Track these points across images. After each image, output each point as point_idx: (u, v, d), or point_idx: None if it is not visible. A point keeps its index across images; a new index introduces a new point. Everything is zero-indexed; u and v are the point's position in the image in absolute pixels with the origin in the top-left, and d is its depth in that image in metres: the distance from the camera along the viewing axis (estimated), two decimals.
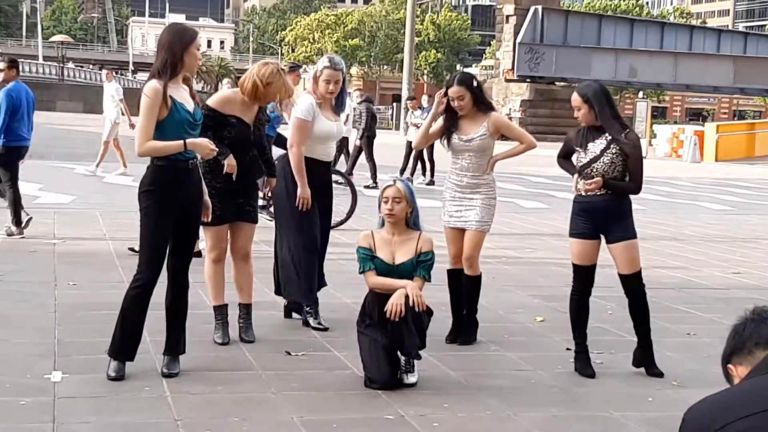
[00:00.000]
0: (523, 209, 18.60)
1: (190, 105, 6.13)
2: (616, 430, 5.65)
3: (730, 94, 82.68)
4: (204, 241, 7.36)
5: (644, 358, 6.92)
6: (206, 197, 6.43)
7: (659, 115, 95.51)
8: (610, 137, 6.67)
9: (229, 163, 7.05)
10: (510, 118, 53.13)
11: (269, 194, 7.66)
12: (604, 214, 6.75)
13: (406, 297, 6.16)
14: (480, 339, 7.60)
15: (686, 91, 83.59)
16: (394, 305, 6.14)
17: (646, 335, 6.92)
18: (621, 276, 6.86)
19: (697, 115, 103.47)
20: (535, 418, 5.75)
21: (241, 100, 7.05)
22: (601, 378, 6.75)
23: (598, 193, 6.71)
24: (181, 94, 6.12)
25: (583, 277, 6.85)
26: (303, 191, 7.59)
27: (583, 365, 6.84)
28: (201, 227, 6.92)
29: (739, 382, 2.90)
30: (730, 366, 2.97)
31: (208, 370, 6.44)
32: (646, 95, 67.40)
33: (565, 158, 7.06)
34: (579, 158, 6.78)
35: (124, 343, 6.20)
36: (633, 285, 6.85)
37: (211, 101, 7.17)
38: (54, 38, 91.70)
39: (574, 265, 6.88)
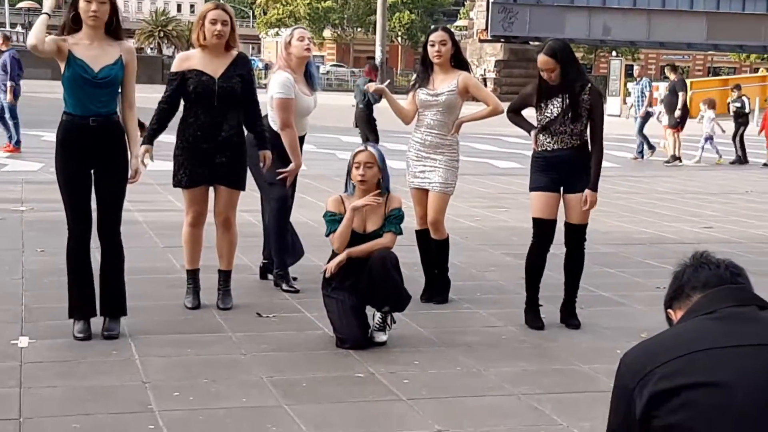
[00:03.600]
0: (498, 169, 18.60)
1: (98, 63, 6.06)
2: (584, 382, 5.68)
3: (704, 50, 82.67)
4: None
5: (564, 308, 7.00)
6: (135, 159, 6.32)
7: (633, 73, 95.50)
8: (572, 94, 6.67)
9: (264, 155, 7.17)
10: (484, 80, 53.13)
11: (264, 168, 7.41)
12: (567, 167, 6.78)
13: (376, 254, 6.17)
14: (452, 297, 7.61)
15: (660, 49, 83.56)
16: (370, 200, 6.24)
17: (575, 290, 6.99)
18: (569, 226, 6.91)
19: (671, 72, 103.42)
20: (505, 373, 5.76)
21: (199, 54, 6.93)
22: (570, 333, 6.78)
23: (562, 147, 6.72)
24: (92, 51, 6.07)
25: (544, 231, 6.87)
26: (297, 167, 7.60)
27: (533, 318, 6.90)
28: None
29: (671, 327, 2.93)
30: (669, 311, 2.99)
31: (176, 333, 6.41)
32: (620, 53, 67.30)
33: (515, 113, 7.07)
34: (542, 115, 6.76)
35: (78, 300, 6.22)
36: (579, 236, 6.91)
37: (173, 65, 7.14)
38: (20, 4, 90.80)
39: (535, 220, 6.90)
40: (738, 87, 23.58)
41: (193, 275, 7.18)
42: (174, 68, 7.01)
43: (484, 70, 58.34)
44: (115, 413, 4.91)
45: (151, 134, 6.95)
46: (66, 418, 4.81)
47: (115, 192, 6.27)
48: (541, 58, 6.67)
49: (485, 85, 49.40)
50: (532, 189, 6.90)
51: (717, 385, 2.60)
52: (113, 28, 6.17)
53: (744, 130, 22.07)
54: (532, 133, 6.84)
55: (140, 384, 5.37)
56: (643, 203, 14.19)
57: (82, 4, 6.02)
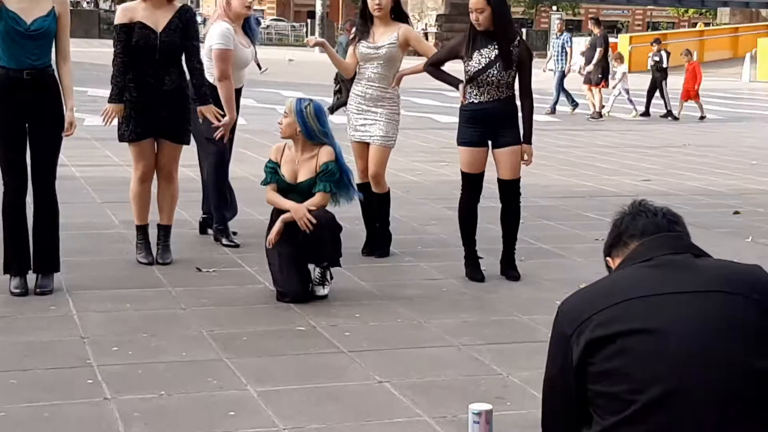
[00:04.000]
0: (439, 124, 18.60)
1: (30, 15, 5.96)
2: (524, 332, 5.73)
3: (642, 5, 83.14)
4: None
5: (503, 261, 7.04)
6: (70, 112, 6.22)
7: (574, 28, 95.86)
8: (502, 44, 6.68)
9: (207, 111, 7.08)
10: (426, 34, 53.01)
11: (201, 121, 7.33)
12: (495, 120, 6.80)
13: (312, 214, 6.16)
14: (393, 251, 7.61)
15: (600, 4, 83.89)
16: (301, 221, 6.13)
17: (513, 242, 7.03)
18: (502, 182, 6.92)
19: (611, 28, 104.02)
20: (446, 324, 5.79)
21: (141, 6, 6.82)
22: (510, 284, 6.83)
23: (489, 99, 6.73)
24: (24, 3, 5.96)
25: (473, 185, 6.90)
26: (231, 120, 7.49)
27: (473, 270, 6.93)
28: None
29: (609, 275, 2.96)
30: (608, 258, 3.02)
31: (115, 288, 6.36)
32: (560, 8, 67.49)
33: (436, 66, 7.01)
34: (470, 65, 6.74)
35: (13, 255, 6.15)
36: (513, 191, 6.93)
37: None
38: None
39: (464, 174, 6.92)
40: (658, 41, 23.59)
41: (143, 231, 7.12)
42: (118, 20, 6.86)
43: (426, 24, 58.14)
44: (53, 368, 4.87)
45: (119, 91, 6.81)
46: (3, 374, 4.76)
47: (50, 146, 6.17)
48: None
49: (426, 38, 49.34)
50: (459, 143, 6.91)
51: (652, 331, 2.63)
52: None
53: (665, 84, 22.10)
54: (460, 86, 6.80)
55: (78, 339, 5.33)
56: (582, 157, 14.30)
57: None
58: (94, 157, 12.02)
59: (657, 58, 22.55)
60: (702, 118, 21.42)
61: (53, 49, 6.19)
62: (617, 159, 14.15)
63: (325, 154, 6.32)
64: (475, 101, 6.78)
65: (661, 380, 2.59)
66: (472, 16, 6.67)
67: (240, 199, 8.50)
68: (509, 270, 6.99)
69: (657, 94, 22.14)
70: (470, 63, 6.74)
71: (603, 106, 21.23)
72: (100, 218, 8.51)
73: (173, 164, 7.10)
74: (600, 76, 21.06)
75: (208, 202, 7.92)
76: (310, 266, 6.34)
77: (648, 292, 2.71)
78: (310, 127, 6.30)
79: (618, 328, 2.66)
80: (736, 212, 9.85)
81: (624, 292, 2.74)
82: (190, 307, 6.00)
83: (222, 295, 6.28)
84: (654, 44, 23.34)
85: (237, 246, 7.59)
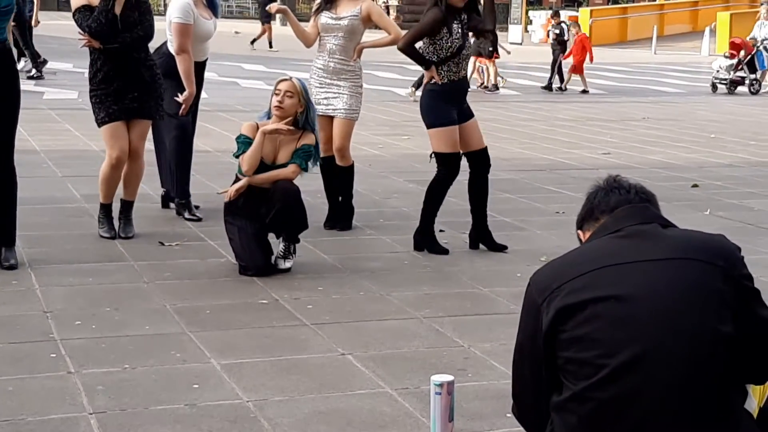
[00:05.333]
0: (400, 97, 18.61)
1: None
2: (485, 304, 5.79)
3: None
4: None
5: (485, 235, 7.07)
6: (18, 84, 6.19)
7: (535, 1, 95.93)
8: (472, 15, 6.77)
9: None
10: (387, 7, 52.86)
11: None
12: (465, 95, 6.87)
13: (277, 184, 6.18)
14: (356, 224, 7.65)
15: None
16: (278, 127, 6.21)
17: (485, 213, 7.07)
18: (476, 153, 6.95)
19: (572, 1, 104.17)
20: (407, 297, 5.84)
21: None
22: (471, 257, 6.88)
23: (465, 74, 6.79)
24: None
25: (456, 165, 6.88)
26: (190, 94, 7.48)
27: (434, 243, 6.95)
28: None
29: (579, 246, 3.04)
30: (579, 231, 3.09)
31: (77, 262, 6.35)
32: None
33: (412, 45, 6.90)
34: (451, 42, 6.74)
35: None
36: (486, 159, 6.98)
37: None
38: None
39: (449, 155, 6.83)
40: (557, 14, 23.33)
41: (107, 208, 7.10)
42: (81, 3, 6.81)
43: None
44: (16, 343, 4.87)
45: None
46: None
47: (7, 119, 6.13)
48: None
49: (387, 13, 49.16)
50: (442, 124, 6.79)
51: (621, 298, 2.71)
52: None
53: (561, 57, 21.89)
54: (433, 67, 6.78)
55: (41, 313, 5.33)
56: (543, 130, 14.37)
57: None
58: (55, 131, 11.95)
59: (557, 31, 22.38)
60: (584, 91, 21.20)
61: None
62: (577, 132, 14.24)
63: (308, 137, 6.37)
64: (455, 78, 6.81)
65: (630, 345, 2.68)
66: None
67: (203, 173, 8.55)
68: (492, 241, 7.03)
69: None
70: (451, 39, 6.72)
71: (496, 80, 20.92)
72: (61, 192, 8.48)
73: (140, 141, 7.10)
74: (491, 48, 20.76)
75: (168, 177, 7.90)
76: (275, 240, 6.37)
77: (617, 261, 2.80)
78: (312, 112, 6.37)
79: (588, 295, 2.74)
80: (695, 185, 9.96)
81: (593, 261, 2.82)
82: (153, 281, 6.01)
83: (185, 269, 6.30)
84: (553, 18, 23.04)
85: (199, 220, 7.60)
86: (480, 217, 7.06)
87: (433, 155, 6.90)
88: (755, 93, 21.76)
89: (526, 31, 47.68)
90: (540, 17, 49.39)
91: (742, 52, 21.80)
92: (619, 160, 11.57)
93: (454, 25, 6.75)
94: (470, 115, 6.93)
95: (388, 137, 12.92)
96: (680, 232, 2.95)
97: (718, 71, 22.33)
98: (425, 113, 6.89)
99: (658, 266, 2.77)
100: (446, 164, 6.86)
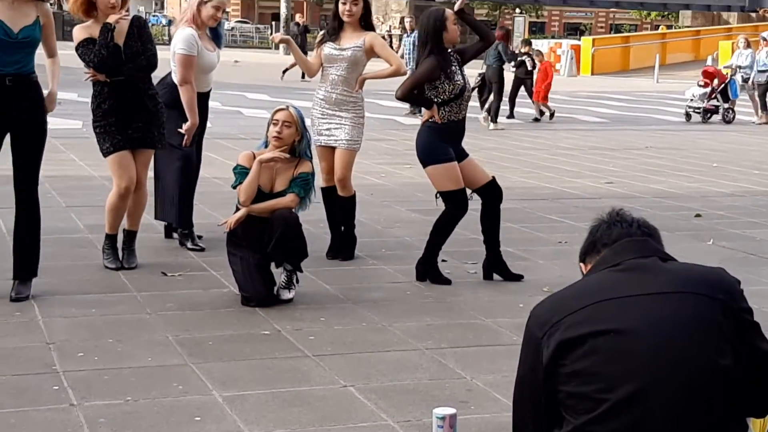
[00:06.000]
0: (403, 126, 18.66)
1: (17, 24, 5.96)
2: (488, 335, 5.79)
3: (605, 7, 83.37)
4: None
5: (500, 265, 7.07)
6: (52, 95, 6.22)
7: (538, 30, 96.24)
8: (457, 54, 6.91)
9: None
10: (390, 36, 53.03)
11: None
12: (462, 136, 6.96)
13: (276, 213, 6.20)
14: (358, 254, 7.66)
15: (563, 6, 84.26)
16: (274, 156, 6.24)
17: (498, 243, 7.07)
18: (484, 187, 6.97)
19: (575, 30, 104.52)
20: (410, 328, 5.84)
21: (95, 24, 6.87)
22: (474, 287, 6.88)
23: (464, 114, 6.85)
24: (10, 12, 5.96)
25: (464, 198, 6.87)
26: (193, 125, 7.51)
27: (438, 274, 6.94)
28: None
29: (579, 280, 3.05)
30: (581, 264, 3.10)
31: (80, 293, 6.36)
32: (524, 11, 67.72)
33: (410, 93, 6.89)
34: (453, 85, 6.76)
35: None
36: (497, 190, 6.99)
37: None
38: None
39: (455, 192, 6.81)
40: (528, 42, 23.32)
41: (112, 238, 7.12)
42: (83, 37, 6.85)
43: (390, 26, 58.24)
44: (18, 374, 4.87)
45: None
46: None
47: (33, 152, 6.18)
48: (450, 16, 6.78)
49: (390, 42, 49.39)
50: (444, 161, 6.78)
51: (621, 331, 2.73)
52: None
53: (524, 86, 21.29)
54: (434, 107, 6.77)
55: (44, 345, 5.33)
56: (545, 159, 14.39)
57: None
58: (60, 161, 11.97)
59: (523, 59, 22.15)
60: (551, 115, 21.19)
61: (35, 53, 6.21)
62: (579, 161, 14.26)
63: (305, 165, 6.40)
64: (456, 119, 6.84)
65: (630, 379, 2.69)
66: (450, 36, 6.75)
67: (205, 203, 8.56)
68: (507, 271, 7.05)
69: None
70: (452, 83, 6.75)
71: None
72: (65, 222, 8.49)
73: (144, 171, 7.14)
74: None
75: (169, 208, 7.88)
76: (276, 270, 6.38)
77: (617, 294, 2.81)
78: (308, 141, 6.40)
79: (588, 329, 2.75)
80: (698, 215, 9.97)
81: (593, 295, 2.84)
82: (156, 312, 6.01)
83: (188, 300, 6.30)
84: (524, 46, 22.89)
85: (202, 250, 7.61)
86: (493, 247, 7.06)
87: (438, 195, 6.90)
88: (729, 122, 21.78)
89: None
90: (543, 46, 49.55)
91: (716, 81, 21.81)
92: (621, 189, 11.58)
93: (453, 68, 6.79)
94: (466, 154, 6.96)
95: (390, 166, 12.94)
96: (679, 265, 2.96)
97: (691, 100, 22.36)
98: (421, 151, 6.88)
99: (658, 300, 2.78)
100: (453, 201, 6.85)
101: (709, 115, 21.92)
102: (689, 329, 2.73)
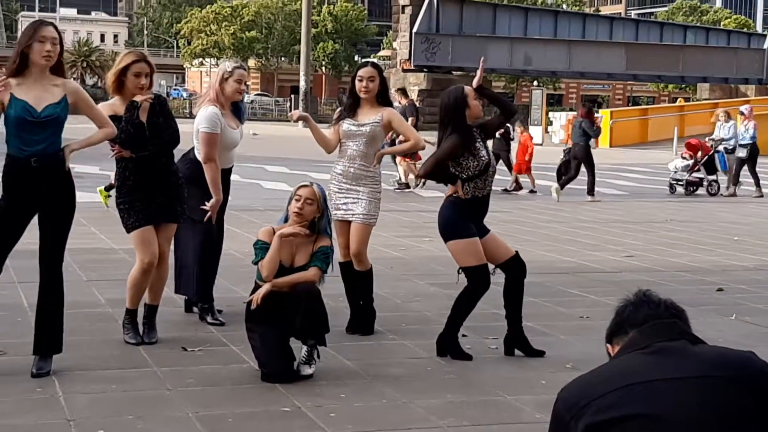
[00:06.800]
0: (422, 198, 18.70)
1: (41, 102, 6.02)
2: (510, 413, 5.73)
3: (623, 80, 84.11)
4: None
5: (522, 341, 7.03)
6: (76, 145, 6.22)
7: (555, 102, 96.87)
8: (480, 129, 6.96)
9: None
10: (415, 107, 53.50)
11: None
12: (485, 212, 6.99)
13: (296, 286, 6.20)
14: (378, 329, 7.63)
15: (581, 79, 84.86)
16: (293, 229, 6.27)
17: (520, 318, 7.04)
18: (511, 261, 6.96)
19: (592, 102, 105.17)
20: (431, 405, 5.80)
21: (120, 102, 6.96)
22: (496, 363, 6.84)
23: (487, 192, 6.88)
24: (35, 91, 6.03)
25: (486, 274, 6.86)
26: (217, 202, 7.57)
27: (459, 350, 6.90)
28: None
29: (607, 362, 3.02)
30: (608, 345, 3.08)
31: (101, 368, 6.35)
32: (541, 83, 68.21)
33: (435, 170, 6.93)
34: (478, 161, 6.79)
35: None
36: (520, 265, 6.98)
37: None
38: None
39: (477, 267, 6.80)
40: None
41: (134, 313, 7.14)
42: (107, 114, 6.92)
43: (415, 99, 58.64)
44: None
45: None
46: None
47: (60, 230, 6.22)
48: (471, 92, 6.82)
49: (417, 111, 49.72)
50: (466, 236, 6.78)
51: (649, 417, 2.69)
52: (56, 66, 6.13)
53: (506, 157, 21.46)
54: (459, 182, 6.80)
55: (64, 422, 5.31)
56: (565, 232, 14.38)
57: (36, 46, 5.98)
58: (81, 234, 12.01)
59: (503, 129, 22.07)
60: (532, 191, 21.04)
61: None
62: (600, 234, 14.23)
63: (324, 240, 6.42)
64: (480, 195, 6.87)
65: None
66: (473, 112, 6.81)
67: (225, 277, 8.55)
68: (528, 347, 7.00)
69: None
70: (477, 159, 6.79)
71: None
72: (86, 297, 8.51)
73: (167, 245, 7.18)
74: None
75: (190, 282, 7.90)
76: (295, 345, 6.35)
77: (645, 378, 2.78)
78: (329, 218, 6.43)
79: (617, 413, 2.72)
80: (720, 289, 9.91)
81: (621, 379, 2.81)
82: (176, 388, 5.99)
83: (208, 375, 6.28)
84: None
85: (222, 324, 7.61)
86: (516, 322, 7.03)
87: (460, 271, 6.89)
88: (713, 195, 21.73)
89: (547, 131, 48.06)
90: (560, 118, 49.83)
91: (699, 153, 21.78)
92: (642, 263, 11.54)
93: (477, 144, 6.83)
94: (487, 230, 6.98)
95: (410, 239, 12.95)
96: (709, 348, 2.93)
97: (675, 172, 22.35)
98: (444, 226, 6.89)
99: (687, 384, 2.75)
100: (475, 276, 6.84)
101: (693, 187, 21.89)
102: (719, 414, 2.70)
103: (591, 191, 19.76)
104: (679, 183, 22.03)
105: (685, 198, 21.19)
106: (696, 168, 21.80)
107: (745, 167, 22.02)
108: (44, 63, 6.01)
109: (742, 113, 22.48)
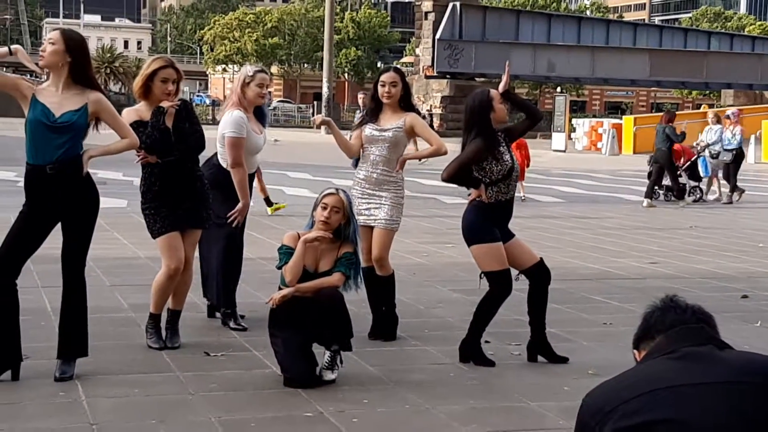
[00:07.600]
0: (444, 205, 18.69)
1: (60, 109, 6.04)
2: (533, 419, 5.71)
3: (646, 87, 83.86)
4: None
5: (545, 347, 7.00)
6: (95, 152, 6.22)
7: (579, 109, 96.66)
8: (505, 133, 6.94)
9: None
10: (431, 115, 53.45)
11: None
12: (509, 217, 6.95)
13: (320, 291, 6.19)
14: (400, 334, 7.62)
15: (604, 85, 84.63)
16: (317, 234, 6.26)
17: (544, 325, 7.01)
18: (536, 267, 6.93)
19: (615, 109, 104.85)
20: (453, 411, 5.78)
21: (145, 107, 6.97)
22: (519, 369, 6.81)
23: (510, 197, 6.85)
24: (56, 98, 6.06)
25: (509, 280, 6.84)
26: (245, 206, 7.59)
27: (482, 356, 6.88)
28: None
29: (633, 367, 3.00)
30: (635, 351, 3.06)
31: (124, 373, 6.37)
32: (564, 90, 68.10)
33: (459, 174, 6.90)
34: (502, 165, 6.78)
35: None
36: (545, 272, 6.96)
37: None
38: None
39: (500, 272, 6.79)
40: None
41: (158, 318, 7.16)
42: (132, 119, 6.91)
43: (431, 106, 58.69)
44: None
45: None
46: None
47: (82, 235, 6.23)
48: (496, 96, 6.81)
49: (432, 120, 49.76)
50: (489, 240, 6.77)
51: (677, 422, 2.67)
52: (81, 75, 6.13)
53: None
54: (482, 186, 6.79)
55: (87, 425, 5.32)
56: (589, 239, 14.32)
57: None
58: (104, 240, 12.06)
59: None
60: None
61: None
62: (624, 241, 14.17)
63: (348, 246, 6.41)
64: (503, 199, 6.85)
65: None
66: (498, 115, 6.79)
67: (248, 282, 8.56)
68: (552, 353, 6.97)
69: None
70: (501, 163, 6.78)
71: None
72: (108, 302, 8.53)
73: (192, 251, 7.20)
74: None
75: (213, 287, 7.92)
76: (318, 350, 6.35)
77: (672, 383, 2.76)
78: (355, 226, 6.42)
79: (642, 419, 2.70)
80: (745, 296, 9.84)
81: (648, 384, 2.79)
82: (199, 393, 5.99)
83: (230, 380, 6.28)
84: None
85: (245, 329, 7.61)
86: (539, 328, 7.00)
87: (482, 275, 6.87)
88: (697, 201, 21.55)
89: (570, 138, 47.96)
90: (583, 125, 49.73)
91: (681, 159, 21.53)
92: (666, 270, 11.48)
93: (501, 148, 6.80)
94: (512, 234, 6.95)
95: (432, 245, 12.92)
96: (736, 354, 2.91)
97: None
98: (467, 230, 6.87)
99: (714, 390, 2.73)
100: (498, 282, 6.82)
101: (671, 193, 21.49)
102: (747, 419, 2.67)
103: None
104: (659, 188, 21.59)
105: (709, 205, 21.06)
106: (678, 174, 21.48)
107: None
108: (39, 64, 6.08)
109: (728, 117, 22.34)
